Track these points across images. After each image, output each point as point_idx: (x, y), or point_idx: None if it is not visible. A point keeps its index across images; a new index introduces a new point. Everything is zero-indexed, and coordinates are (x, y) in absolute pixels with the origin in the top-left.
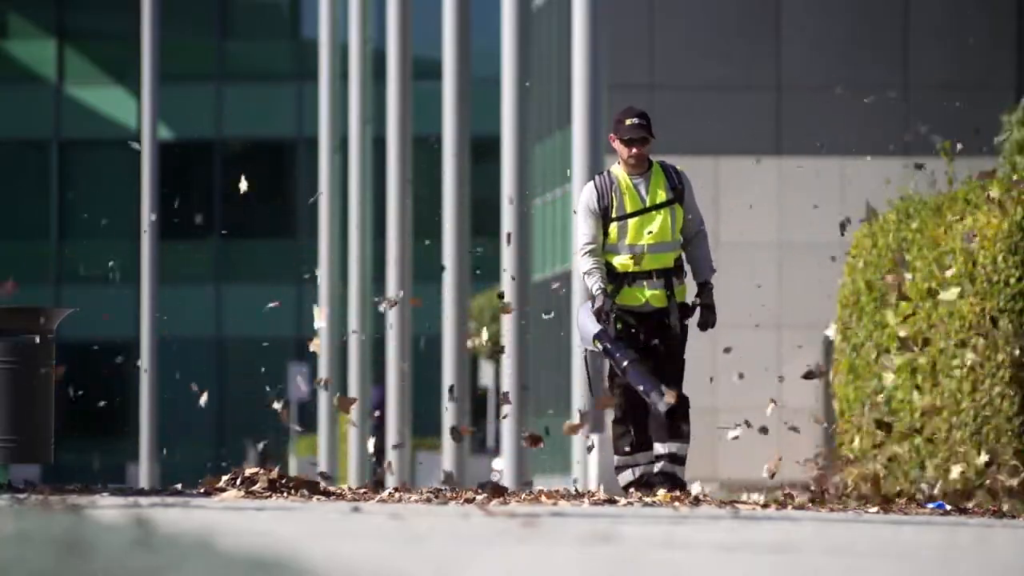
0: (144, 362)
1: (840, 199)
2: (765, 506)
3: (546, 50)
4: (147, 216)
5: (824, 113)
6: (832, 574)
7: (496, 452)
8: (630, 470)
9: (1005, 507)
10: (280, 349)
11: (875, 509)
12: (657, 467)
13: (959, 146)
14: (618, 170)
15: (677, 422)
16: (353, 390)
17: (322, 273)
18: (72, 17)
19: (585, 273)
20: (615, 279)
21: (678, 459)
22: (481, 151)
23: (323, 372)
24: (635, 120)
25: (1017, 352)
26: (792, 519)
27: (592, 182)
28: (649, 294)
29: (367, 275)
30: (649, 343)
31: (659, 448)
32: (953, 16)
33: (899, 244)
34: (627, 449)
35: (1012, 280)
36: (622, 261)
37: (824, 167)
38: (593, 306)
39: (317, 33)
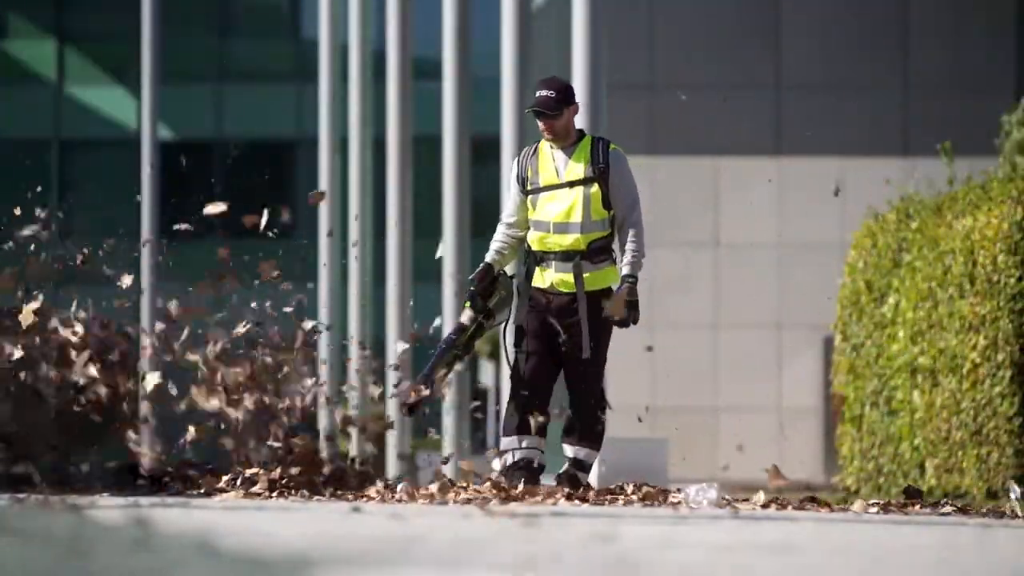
0: (144, 361)
1: (840, 199)
2: (765, 506)
3: (546, 50)
4: (147, 216)
5: (824, 113)
6: (832, 574)
7: (496, 451)
8: (510, 453)
9: (1005, 507)
10: None
11: (875, 509)
12: (562, 468)
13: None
14: (544, 142)
15: (588, 424)
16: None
17: (322, 273)
18: (72, 17)
19: (491, 242)
20: (529, 257)
21: (584, 466)
22: (481, 151)
23: (324, 374)
24: (543, 92)
25: (1017, 352)
26: (792, 519)
27: (520, 153)
28: (557, 278)
29: (367, 275)
30: (556, 330)
31: (567, 450)
32: (953, 16)
33: (899, 244)
34: (511, 432)
35: (1012, 280)
36: (532, 237)
37: (824, 167)
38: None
39: (317, 33)
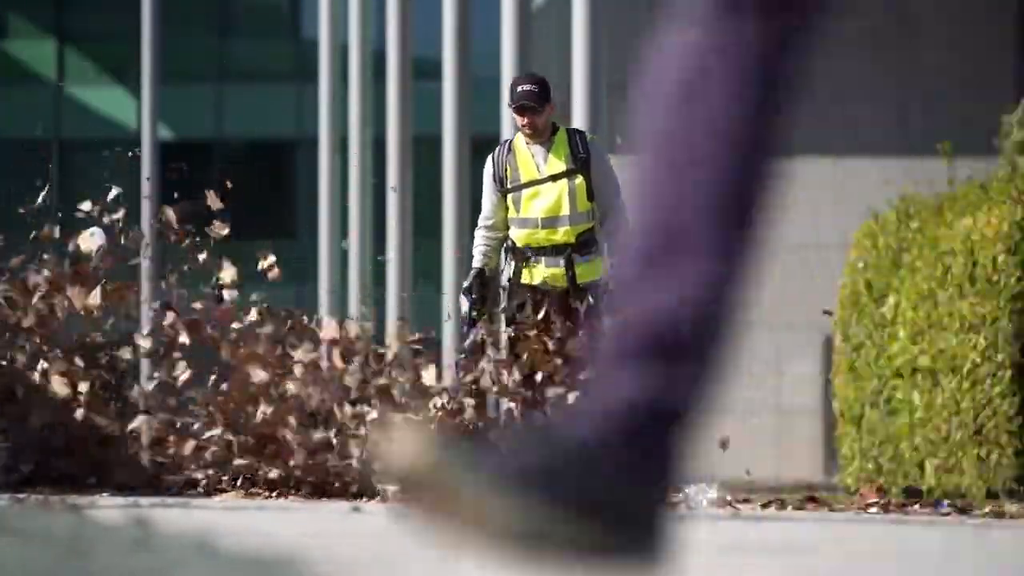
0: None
1: (840, 199)
2: (765, 506)
3: (546, 50)
4: (147, 216)
5: (824, 113)
6: (832, 574)
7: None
8: None
9: (1005, 507)
10: None
11: (875, 509)
12: None
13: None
14: (518, 139)
15: None
16: None
17: (322, 272)
18: (72, 17)
19: (474, 248)
20: (515, 255)
21: None
22: (481, 151)
23: None
24: (525, 87)
25: (1017, 352)
26: (792, 519)
27: (492, 152)
28: (547, 273)
29: (367, 274)
30: (549, 326)
31: None
32: (953, 16)
33: (899, 244)
34: None
35: (1012, 280)
36: (517, 235)
37: (824, 167)
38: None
39: (317, 33)
